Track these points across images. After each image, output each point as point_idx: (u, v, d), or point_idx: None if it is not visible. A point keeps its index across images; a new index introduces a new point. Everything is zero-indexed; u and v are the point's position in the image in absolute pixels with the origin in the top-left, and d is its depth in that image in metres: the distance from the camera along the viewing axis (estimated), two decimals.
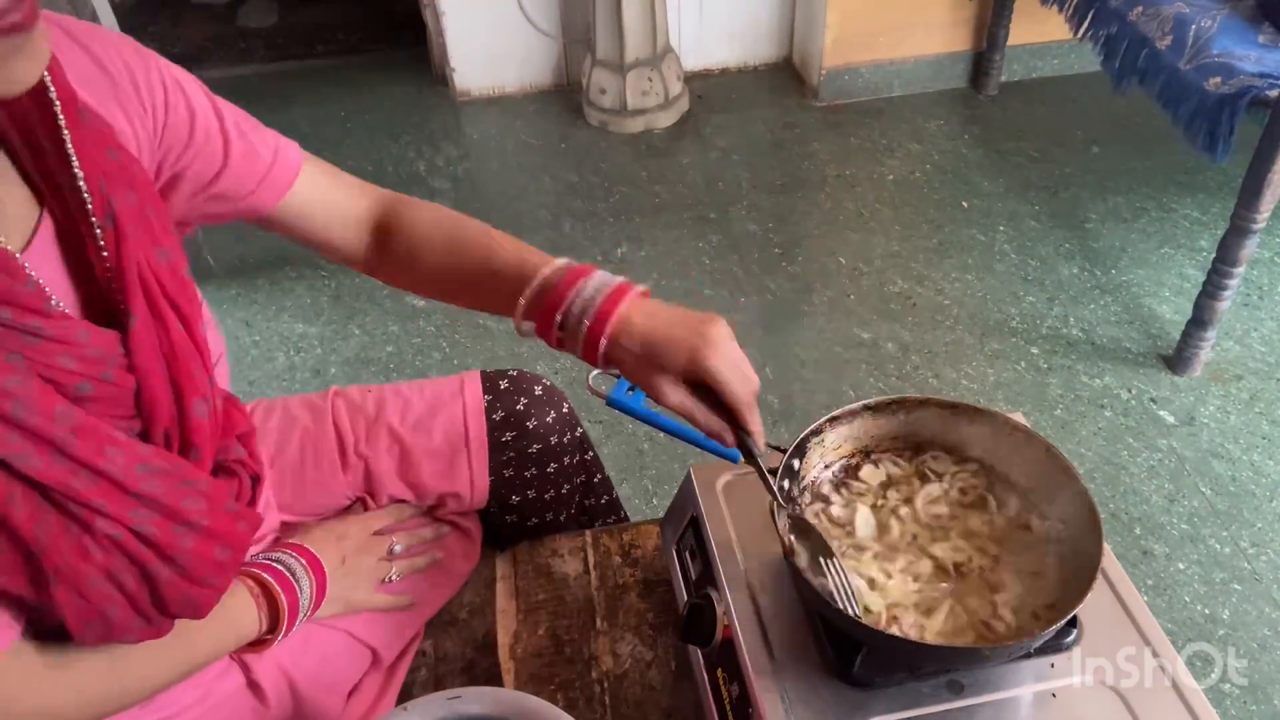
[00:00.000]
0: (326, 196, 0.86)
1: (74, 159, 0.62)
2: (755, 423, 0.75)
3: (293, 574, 0.85)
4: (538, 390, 1.04)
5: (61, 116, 0.61)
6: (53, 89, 0.61)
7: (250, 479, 0.75)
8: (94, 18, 2.60)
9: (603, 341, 0.75)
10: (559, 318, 0.76)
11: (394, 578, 0.96)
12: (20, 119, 0.61)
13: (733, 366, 0.73)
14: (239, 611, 0.81)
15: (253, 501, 0.76)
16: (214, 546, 0.67)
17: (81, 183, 0.62)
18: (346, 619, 0.93)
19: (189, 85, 0.75)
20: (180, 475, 0.65)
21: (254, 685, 0.86)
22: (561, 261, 0.79)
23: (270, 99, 2.92)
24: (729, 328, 0.75)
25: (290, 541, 0.90)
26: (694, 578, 0.91)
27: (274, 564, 0.85)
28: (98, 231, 0.63)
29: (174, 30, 3.31)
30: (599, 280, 0.77)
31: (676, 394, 0.74)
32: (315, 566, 0.88)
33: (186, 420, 0.67)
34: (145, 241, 0.66)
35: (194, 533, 0.65)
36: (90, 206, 0.63)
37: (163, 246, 0.67)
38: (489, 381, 1.04)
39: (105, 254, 0.63)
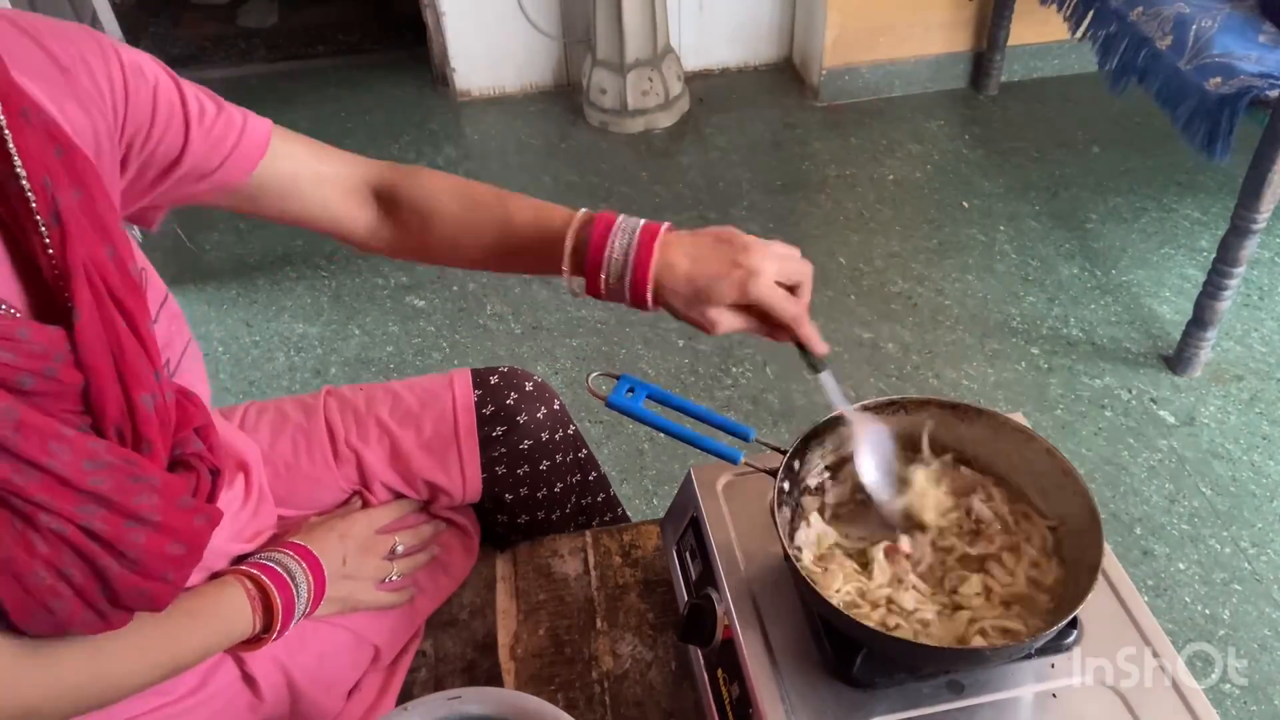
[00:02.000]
0: (311, 169, 0.85)
1: (15, 158, 0.61)
2: (810, 334, 0.79)
3: (290, 575, 0.85)
4: (528, 386, 1.05)
5: (2, 117, 0.61)
6: None
7: (210, 473, 0.74)
8: (94, 18, 2.60)
9: (648, 293, 0.78)
10: (603, 276, 0.79)
11: (395, 577, 0.96)
12: None
13: (775, 289, 0.76)
14: (232, 611, 0.80)
15: (212, 497, 0.75)
16: (167, 542, 0.67)
17: (24, 182, 0.62)
18: (347, 616, 0.93)
19: (148, 68, 0.74)
20: (131, 471, 0.65)
21: (249, 679, 0.85)
22: (581, 213, 0.81)
23: (270, 99, 2.92)
24: (759, 243, 0.78)
25: (290, 540, 0.90)
26: (694, 578, 0.91)
27: (271, 564, 0.85)
28: (43, 230, 0.63)
29: (174, 30, 3.31)
30: (628, 229, 0.79)
31: (732, 321, 0.78)
32: (315, 567, 0.88)
33: (135, 414, 0.67)
34: (92, 239, 0.65)
35: (146, 528, 0.65)
36: (34, 205, 0.62)
37: (111, 244, 0.67)
38: (479, 377, 1.04)
39: (51, 252, 0.63)
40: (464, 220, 0.85)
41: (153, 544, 0.65)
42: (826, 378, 0.82)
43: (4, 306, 0.61)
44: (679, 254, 0.77)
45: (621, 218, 0.80)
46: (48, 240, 0.63)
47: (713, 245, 0.77)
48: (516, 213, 0.83)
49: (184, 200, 0.82)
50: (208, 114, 0.78)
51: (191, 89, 0.78)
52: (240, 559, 0.87)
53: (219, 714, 0.84)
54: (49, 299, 0.64)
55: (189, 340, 0.82)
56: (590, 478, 1.17)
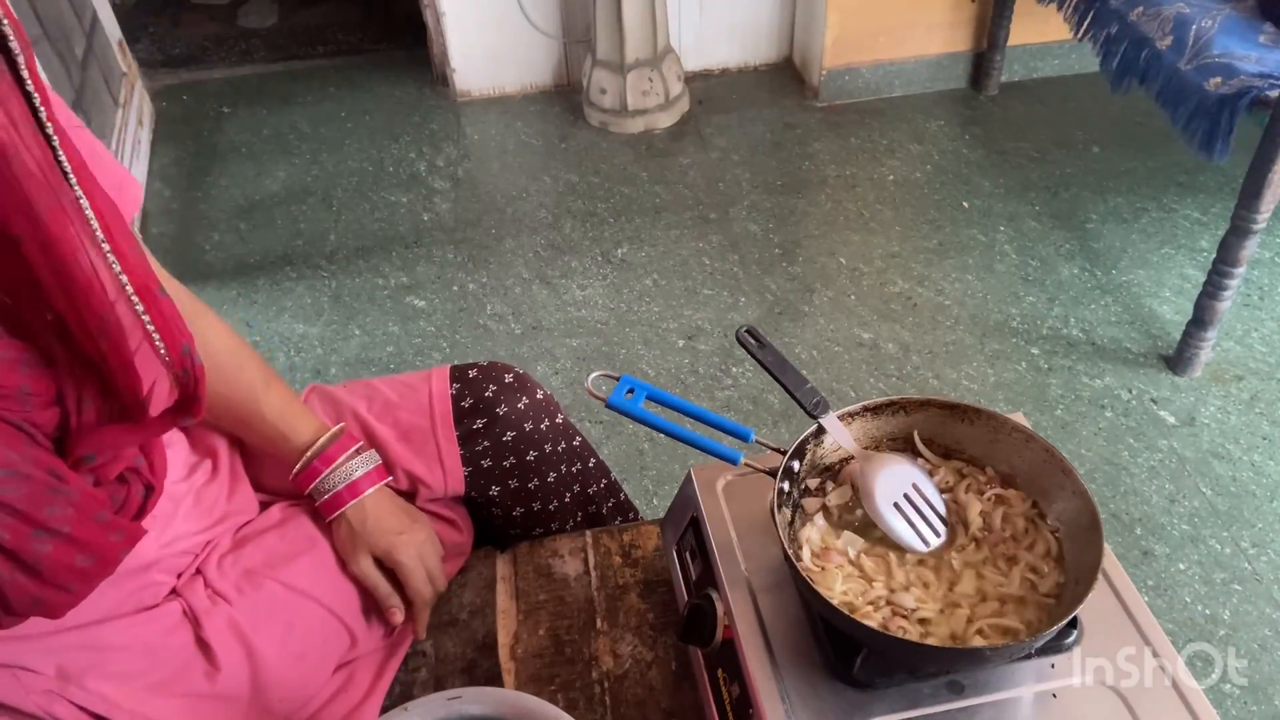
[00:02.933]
0: None
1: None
2: (420, 618, 0.99)
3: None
4: (507, 378, 1.05)
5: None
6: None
7: (143, 489, 0.74)
8: (94, 18, 2.60)
9: (337, 509, 0.94)
10: (311, 486, 0.95)
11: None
12: None
13: (417, 565, 0.96)
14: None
15: (141, 513, 0.75)
16: (75, 554, 0.66)
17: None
18: (323, 589, 0.93)
19: None
20: (50, 482, 0.64)
21: (203, 644, 0.85)
22: (322, 440, 0.96)
23: (270, 99, 2.92)
24: (433, 539, 0.99)
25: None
26: (694, 578, 0.91)
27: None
28: None
29: (174, 30, 3.31)
30: (354, 464, 0.96)
31: (368, 566, 0.95)
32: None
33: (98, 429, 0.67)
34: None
35: (54, 539, 0.64)
36: None
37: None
38: (457, 372, 1.05)
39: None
40: (223, 394, 0.92)
41: (59, 555, 0.64)
42: (829, 420, 0.85)
43: None
44: (373, 499, 0.95)
45: (344, 457, 0.96)
46: None
47: (402, 507, 0.97)
48: (272, 410, 0.94)
49: None
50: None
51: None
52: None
53: (172, 679, 0.83)
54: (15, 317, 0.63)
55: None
56: (589, 465, 1.17)
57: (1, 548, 0.61)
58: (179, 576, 0.88)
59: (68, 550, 0.65)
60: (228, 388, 0.91)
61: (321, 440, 0.94)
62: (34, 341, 0.63)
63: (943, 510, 0.83)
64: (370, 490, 0.95)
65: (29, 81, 0.58)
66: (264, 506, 0.99)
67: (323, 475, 0.93)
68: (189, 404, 0.71)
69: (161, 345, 0.66)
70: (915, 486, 0.83)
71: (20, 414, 0.63)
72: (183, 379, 0.69)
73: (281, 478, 0.97)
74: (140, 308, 0.64)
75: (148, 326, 0.65)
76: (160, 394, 0.67)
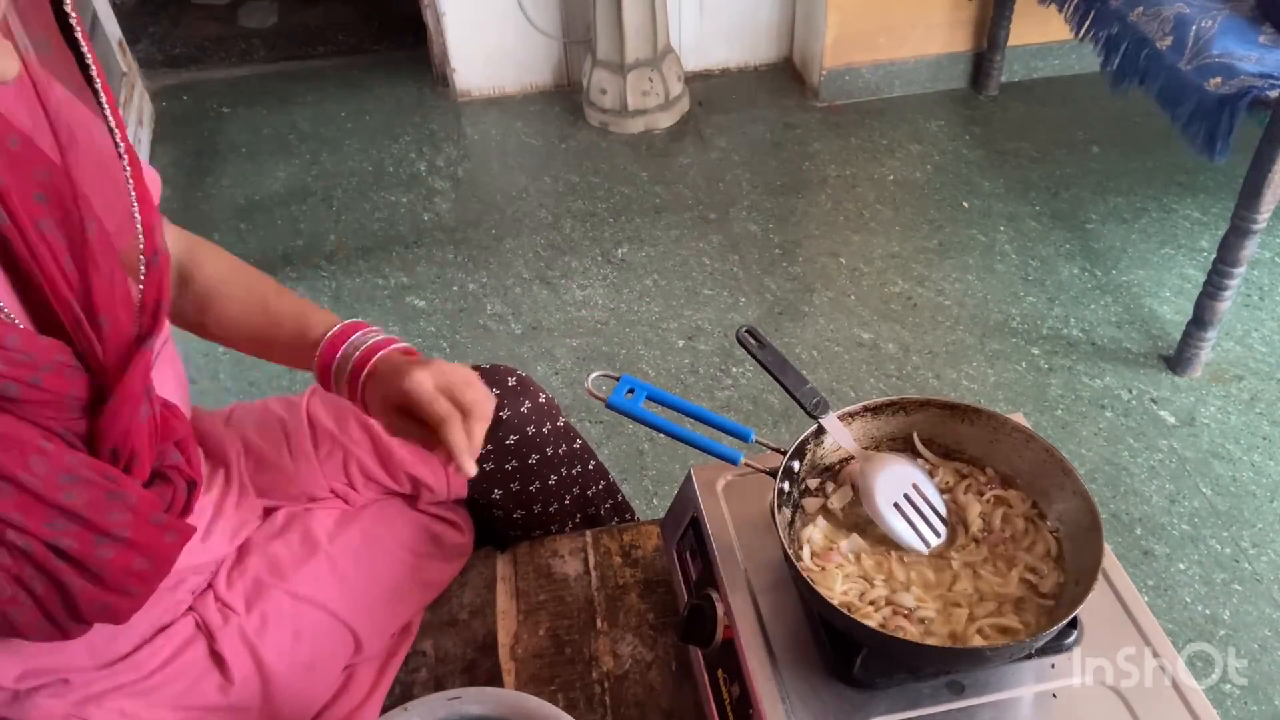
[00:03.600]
0: None
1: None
2: (456, 440, 0.77)
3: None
4: (510, 382, 1.05)
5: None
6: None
7: (186, 485, 0.75)
8: (94, 18, 2.60)
9: (359, 383, 0.83)
10: (333, 369, 0.85)
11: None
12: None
13: (424, 386, 0.78)
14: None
15: (187, 509, 0.75)
16: (135, 558, 0.67)
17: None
18: (328, 595, 0.93)
19: None
20: (108, 486, 0.65)
21: (217, 656, 0.85)
22: (336, 327, 0.87)
23: (270, 99, 2.92)
24: (451, 368, 0.81)
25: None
26: (694, 578, 0.91)
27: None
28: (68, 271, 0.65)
29: (174, 30, 3.30)
30: (359, 343, 0.85)
31: (402, 426, 0.81)
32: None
33: (129, 430, 0.68)
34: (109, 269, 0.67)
35: (116, 544, 0.65)
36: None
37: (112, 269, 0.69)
38: None
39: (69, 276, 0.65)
40: (237, 312, 0.90)
41: (120, 560, 0.65)
42: (830, 421, 0.83)
43: (6, 313, 0.62)
44: (388, 362, 0.83)
45: (361, 332, 0.86)
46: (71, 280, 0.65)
47: (409, 364, 0.81)
48: (281, 313, 0.89)
49: None
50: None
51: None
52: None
53: (186, 692, 0.84)
54: (48, 314, 0.65)
55: (165, 338, 0.83)
56: (589, 467, 1.17)
57: (68, 556, 0.63)
58: (197, 588, 0.88)
59: (128, 554, 0.66)
60: (242, 305, 0.90)
61: (336, 328, 0.87)
62: (61, 334, 0.64)
63: (943, 510, 0.84)
64: (384, 351, 0.84)
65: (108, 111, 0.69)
66: (267, 513, 0.98)
67: (340, 352, 0.85)
68: (154, 302, 0.71)
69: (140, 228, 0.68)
70: (915, 487, 0.83)
71: (64, 421, 0.64)
72: (151, 265, 0.70)
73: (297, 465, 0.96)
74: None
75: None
76: (123, 319, 0.68)
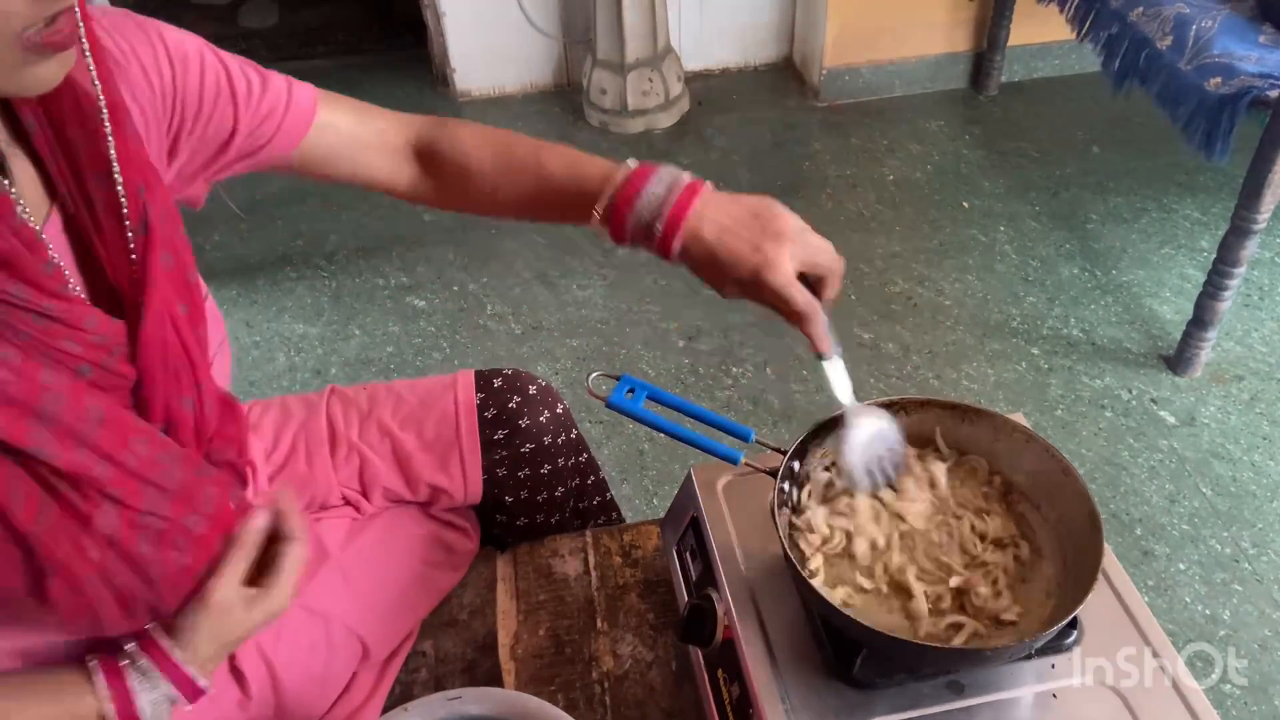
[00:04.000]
0: (353, 136, 0.87)
1: (115, 165, 0.63)
2: (817, 333, 0.76)
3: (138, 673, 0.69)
4: (531, 390, 1.04)
5: (108, 124, 0.63)
6: (102, 97, 0.63)
7: (246, 469, 0.77)
8: None
9: (674, 244, 0.76)
10: (631, 216, 0.77)
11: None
12: (56, 115, 0.62)
13: (789, 283, 0.74)
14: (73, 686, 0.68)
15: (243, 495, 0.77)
16: (217, 535, 0.69)
17: (120, 188, 0.64)
18: (340, 607, 0.92)
19: (193, 51, 0.75)
20: (197, 463, 0.67)
21: (237, 672, 0.85)
22: (624, 166, 0.80)
23: None
24: (795, 230, 0.76)
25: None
26: (694, 578, 0.91)
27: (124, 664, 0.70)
28: (129, 235, 0.65)
29: None
30: (667, 179, 0.78)
31: (744, 296, 0.77)
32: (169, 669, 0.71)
33: (171, 417, 0.68)
34: (166, 246, 0.67)
35: (204, 519, 0.67)
36: (126, 211, 0.64)
37: (175, 249, 0.69)
38: (482, 380, 1.04)
39: (134, 257, 0.65)
40: (500, 174, 0.85)
41: (208, 536, 0.67)
42: (830, 366, 0.79)
43: (75, 289, 0.62)
44: (710, 219, 0.76)
45: (664, 168, 0.79)
46: (132, 246, 0.65)
47: (746, 219, 0.76)
48: (551, 164, 0.83)
49: (226, 175, 0.83)
50: (254, 91, 0.79)
51: (237, 64, 0.79)
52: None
53: (207, 707, 0.83)
54: (108, 295, 0.65)
55: (223, 340, 0.83)
56: (589, 482, 1.17)
57: (161, 533, 0.64)
58: None
59: (213, 531, 0.68)
60: (504, 172, 0.86)
61: (611, 185, 0.79)
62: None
63: (897, 464, 0.84)
64: (695, 207, 0.77)
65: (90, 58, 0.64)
66: None
67: (629, 217, 0.77)
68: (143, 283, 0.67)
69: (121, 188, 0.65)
70: (890, 450, 0.84)
71: (124, 401, 0.65)
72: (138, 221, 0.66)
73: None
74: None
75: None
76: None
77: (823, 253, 0.77)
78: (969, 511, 0.84)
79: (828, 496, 0.86)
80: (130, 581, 0.64)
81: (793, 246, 0.75)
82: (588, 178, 0.80)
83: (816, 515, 0.83)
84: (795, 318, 0.76)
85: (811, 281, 0.77)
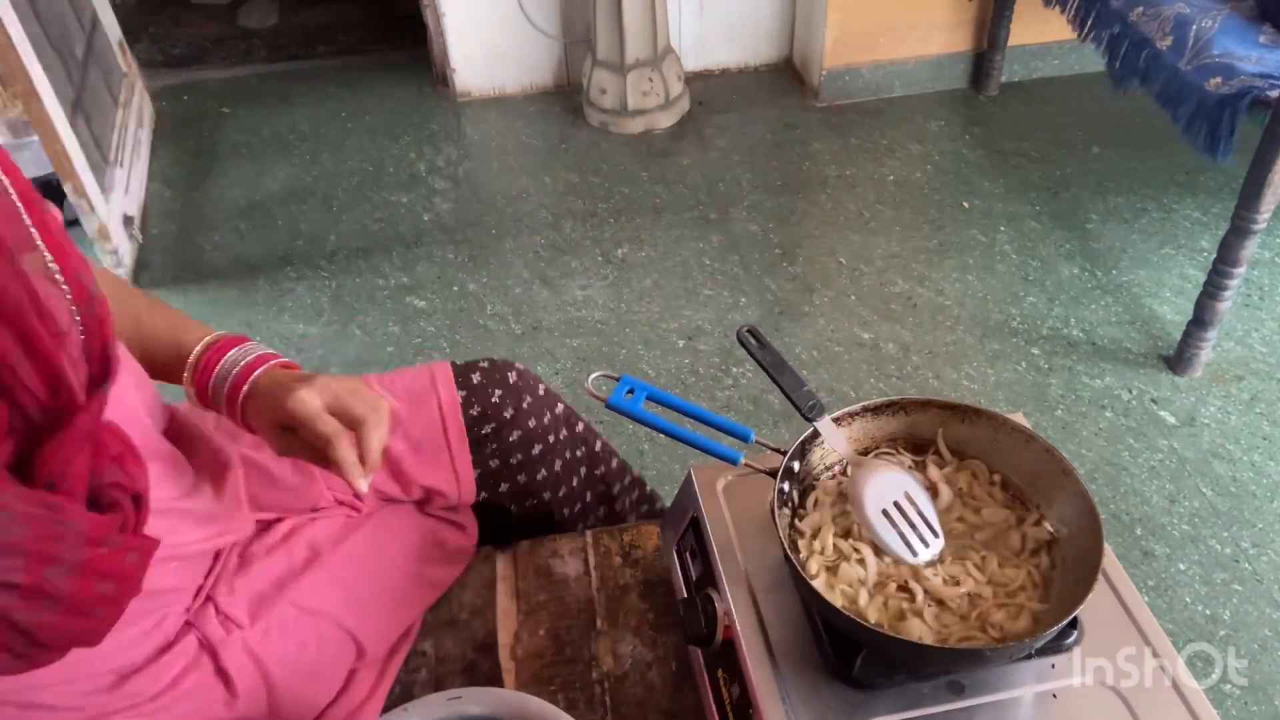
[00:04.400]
0: None
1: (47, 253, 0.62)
2: (345, 459, 0.76)
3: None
4: (511, 378, 1.05)
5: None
6: None
7: (133, 500, 0.70)
8: (94, 18, 2.60)
9: (239, 401, 0.81)
10: (209, 387, 0.83)
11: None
12: None
13: (310, 406, 0.76)
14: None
15: (139, 525, 0.71)
16: (95, 582, 0.64)
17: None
18: (331, 604, 0.92)
19: None
20: (54, 516, 0.61)
21: (222, 673, 0.84)
22: (210, 337, 0.85)
23: (270, 99, 2.92)
24: (335, 380, 0.79)
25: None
26: (694, 578, 0.91)
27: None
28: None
29: (174, 30, 3.30)
30: (237, 359, 0.83)
31: (288, 445, 0.79)
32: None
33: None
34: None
35: (71, 573, 0.62)
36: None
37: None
38: (461, 376, 1.03)
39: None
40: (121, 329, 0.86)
41: (80, 586, 0.63)
42: (825, 425, 0.82)
43: None
44: (272, 377, 0.80)
45: (239, 348, 0.83)
46: None
47: (299, 377, 0.80)
48: (156, 329, 0.86)
49: None
50: None
51: None
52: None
53: (193, 713, 0.83)
54: None
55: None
56: (596, 448, 1.17)
57: (19, 588, 0.59)
58: (194, 598, 0.86)
59: (86, 581, 0.63)
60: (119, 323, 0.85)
61: (206, 340, 0.85)
62: None
63: (934, 520, 0.82)
64: (263, 368, 0.82)
65: None
66: (269, 525, 0.96)
67: (217, 369, 0.82)
68: (99, 346, 0.66)
69: (60, 275, 0.64)
70: (907, 495, 0.82)
71: None
72: (87, 314, 0.65)
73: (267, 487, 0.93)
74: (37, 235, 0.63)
75: (45, 257, 0.63)
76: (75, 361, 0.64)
77: (356, 398, 0.78)
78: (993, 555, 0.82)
79: (836, 517, 0.85)
80: (8, 637, 0.61)
81: (322, 387, 0.77)
82: (184, 347, 0.84)
83: (827, 537, 0.83)
84: (323, 442, 0.76)
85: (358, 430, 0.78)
